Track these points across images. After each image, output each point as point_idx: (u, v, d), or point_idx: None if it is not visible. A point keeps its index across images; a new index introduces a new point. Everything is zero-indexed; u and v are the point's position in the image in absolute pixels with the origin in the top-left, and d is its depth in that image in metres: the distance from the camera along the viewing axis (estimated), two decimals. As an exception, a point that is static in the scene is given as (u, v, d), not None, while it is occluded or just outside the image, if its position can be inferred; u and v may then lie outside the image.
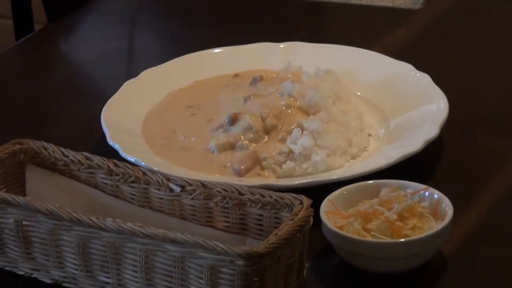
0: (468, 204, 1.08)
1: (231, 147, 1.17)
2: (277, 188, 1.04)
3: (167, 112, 1.24)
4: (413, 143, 1.15)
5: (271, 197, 1.00)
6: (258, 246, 0.92)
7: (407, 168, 1.10)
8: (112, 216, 0.99)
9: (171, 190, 1.05)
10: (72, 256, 1.00)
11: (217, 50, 1.32)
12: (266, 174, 1.14)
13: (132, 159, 1.13)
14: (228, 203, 1.03)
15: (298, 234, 0.97)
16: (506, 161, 1.19)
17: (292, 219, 0.97)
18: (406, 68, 1.26)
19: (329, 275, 1.03)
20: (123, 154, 1.14)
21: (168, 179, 1.05)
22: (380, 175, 1.09)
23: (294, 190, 1.02)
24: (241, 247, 0.93)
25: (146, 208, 1.06)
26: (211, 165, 1.15)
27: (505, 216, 1.12)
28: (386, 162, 1.12)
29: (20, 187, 1.06)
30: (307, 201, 0.97)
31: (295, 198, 0.98)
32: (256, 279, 0.93)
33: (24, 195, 1.05)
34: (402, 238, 1.01)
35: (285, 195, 1.00)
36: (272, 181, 1.12)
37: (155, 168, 1.09)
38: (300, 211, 0.97)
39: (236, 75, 1.27)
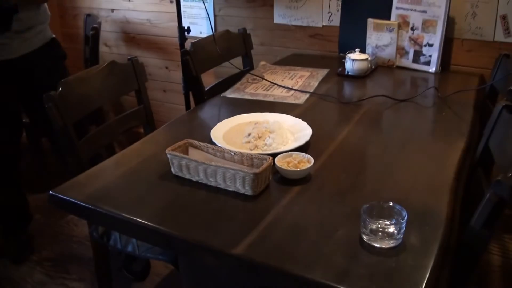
0: (319, 160, 1.08)
1: (249, 142, 1.17)
2: (262, 154, 1.05)
3: (230, 132, 1.23)
4: (301, 141, 1.16)
5: (260, 157, 1.02)
6: (257, 170, 0.94)
7: (301, 149, 1.10)
8: (214, 162, 1.01)
9: (231, 154, 1.06)
10: (202, 172, 1.01)
11: (245, 115, 1.30)
12: (259, 150, 1.15)
13: (220, 145, 1.13)
14: (247, 158, 1.05)
15: (268, 167, 1.00)
16: (329, 146, 1.18)
17: (267, 163, 0.97)
18: (300, 121, 1.25)
19: (277, 179, 1.03)
20: (217, 143, 1.15)
21: (230, 151, 1.07)
22: (291, 151, 1.08)
23: (268, 155, 1.02)
24: (252, 171, 0.95)
25: (224, 160, 1.07)
26: (243, 147, 1.16)
27: (329, 165, 1.10)
28: (293, 147, 1.13)
29: (186, 154, 1.07)
30: (271, 158, 1.00)
31: (268, 156, 1.01)
32: (256, 180, 0.95)
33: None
34: (298, 169, 1.01)
35: (264, 156, 1.03)
36: (261, 152, 1.13)
37: (226, 148, 1.10)
38: (269, 160, 0.99)
39: (251, 122, 1.27)
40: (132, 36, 2.63)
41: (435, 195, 0.96)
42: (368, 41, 1.89)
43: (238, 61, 1.96)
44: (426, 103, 1.49)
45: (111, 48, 2.74)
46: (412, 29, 1.81)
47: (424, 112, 1.45)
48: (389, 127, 1.37)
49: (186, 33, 1.99)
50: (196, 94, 1.72)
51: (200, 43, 1.75)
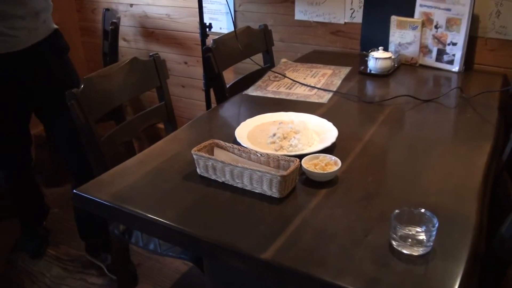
0: (345, 161, 1.07)
1: (274, 142, 1.16)
2: (288, 155, 1.04)
3: (254, 132, 1.21)
4: (327, 143, 1.14)
5: (287, 159, 1.01)
6: (284, 173, 0.93)
7: (326, 151, 1.08)
8: (240, 163, 1.00)
9: (257, 155, 1.05)
10: (228, 173, 1.00)
11: (269, 114, 1.28)
12: (285, 151, 1.14)
13: (245, 145, 1.12)
14: (274, 159, 1.03)
15: (296, 169, 0.98)
16: (355, 148, 1.16)
17: (294, 165, 0.96)
18: (325, 121, 1.23)
19: (304, 181, 1.02)
20: (242, 144, 1.14)
21: (256, 152, 1.06)
22: (318, 152, 1.07)
23: (294, 156, 1.01)
24: (279, 173, 0.94)
25: (250, 161, 1.06)
26: (268, 148, 1.14)
27: (356, 168, 1.09)
28: (319, 149, 1.11)
29: (212, 155, 1.06)
30: (297, 160, 0.99)
31: (295, 158, 1.00)
32: (283, 182, 0.94)
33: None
34: (326, 171, 1.00)
35: (291, 158, 1.02)
36: (286, 153, 1.12)
37: (252, 148, 1.09)
38: (296, 163, 0.97)
39: (275, 121, 1.24)
40: (151, 31, 2.62)
41: (463, 200, 0.95)
42: (391, 38, 1.88)
43: (258, 58, 1.96)
44: (450, 104, 1.47)
45: (130, 43, 2.74)
46: (436, 27, 1.78)
47: (448, 113, 1.43)
48: (414, 128, 1.35)
49: (207, 29, 1.98)
50: (218, 91, 1.72)
51: (222, 39, 1.74)
